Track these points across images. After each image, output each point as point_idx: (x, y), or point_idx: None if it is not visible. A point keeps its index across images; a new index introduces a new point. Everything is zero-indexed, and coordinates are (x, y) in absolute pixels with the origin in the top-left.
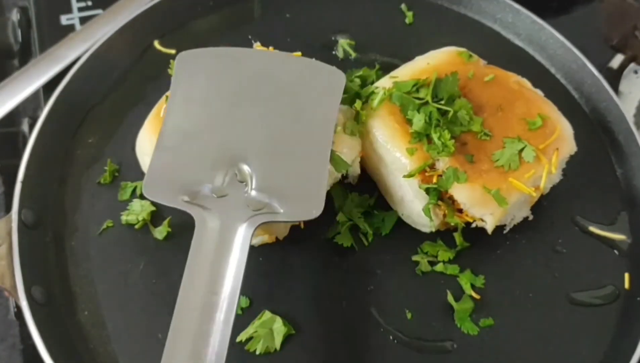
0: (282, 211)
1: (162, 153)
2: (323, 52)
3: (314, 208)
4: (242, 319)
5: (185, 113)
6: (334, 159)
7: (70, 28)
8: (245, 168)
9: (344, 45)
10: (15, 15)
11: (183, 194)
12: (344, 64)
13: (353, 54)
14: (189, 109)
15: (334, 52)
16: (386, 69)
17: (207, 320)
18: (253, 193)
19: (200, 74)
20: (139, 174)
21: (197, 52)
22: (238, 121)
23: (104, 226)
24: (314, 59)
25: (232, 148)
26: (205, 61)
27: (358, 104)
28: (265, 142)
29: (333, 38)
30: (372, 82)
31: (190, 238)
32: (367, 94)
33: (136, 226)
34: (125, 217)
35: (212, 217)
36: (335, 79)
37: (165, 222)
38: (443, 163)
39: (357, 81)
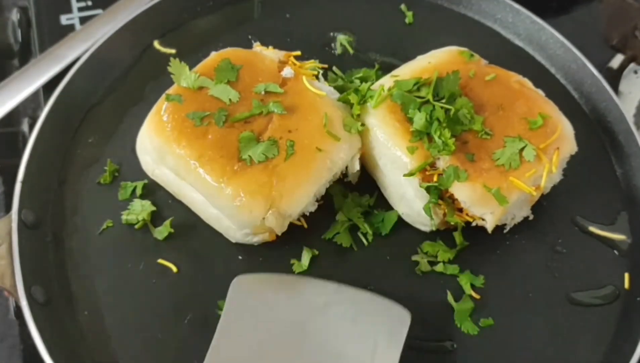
0: None
1: None
2: (323, 52)
3: None
4: None
5: (235, 341)
6: None
7: (70, 28)
8: None
9: (342, 41)
10: (15, 15)
11: None
12: (343, 61)
13: (351, 51)
14: (240, 337)
15: (333, 51)
16: (386, 69)
17: None
18: None
19: (254, 302)
20: (139, 174)
21: (253, 277)
22: (289, 357)
23: (104, 226)
24: (378, 296)
25: None
26: (260, 289)
27: (353, 97)
28: None
29: (332, 34)
30: (372, 83)
31: (190, 238)
32: (364, 92)
33: (136, 226)
34: (125, 217)
35: None
36: (400, 320)
37: (167, 222)
38: (443, 162)
39: (357, 82)
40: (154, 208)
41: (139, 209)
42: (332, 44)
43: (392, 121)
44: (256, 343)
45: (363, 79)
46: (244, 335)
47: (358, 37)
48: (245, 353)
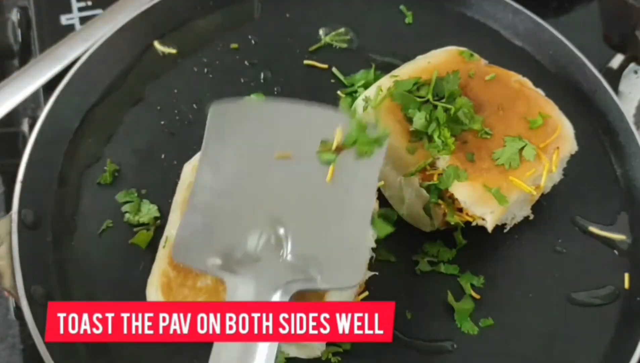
0: (319, 278)
1: (193, 214)
2: (323, 52)
3: (353, 276)
4: None
5: (217, 171)
6: (375, 221)
7: (70, 28)
8: (281, 231)
9: (342, 41)
10: (15, 15)
11: (215, 257)
12: (342, 61)
13: (351, 50)
14: (222, 166)
15: (333, 51)
16: (386, 69)
17: None
18: (289, 257)
19: (233, 128)
20: (139, 175)
21: (231, 105)
22: (273, 180)
23: (104, 226)
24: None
25: (266, 209)
26: (238, 115)
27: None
28: (302, 203)
29: (331, 34)
30: (371, 84)
31: None
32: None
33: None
34: (128, 217)
35: (245, 283)
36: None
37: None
38: (443, 161)
39: (362, 90)
40: (157, 214)
41: (144, 212)
42: (332, 44)
43: (392, 121)
44: (239, 171)
45: (366, 86)
46: (225, 164)
47: (358, 37)
48: (228, 180)
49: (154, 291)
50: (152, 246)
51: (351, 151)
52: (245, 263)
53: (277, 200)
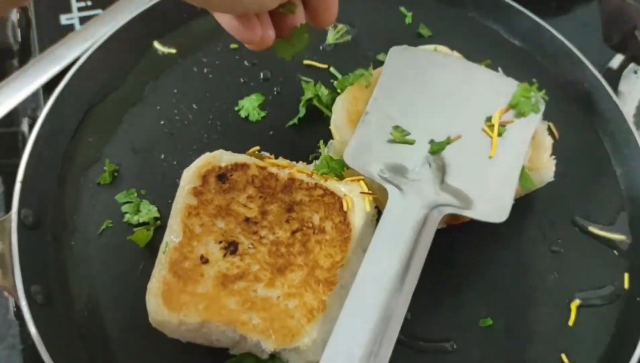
0: (471, 207)
1: (368, 127)
2: (323, 52)
3: (500, 213)
4: None
5: (391, 99)
6: (523, 175)
7: (70, 28)
8: (442, 159)
9: (341, 41)
10: (15, 15)
11: (382, 167)
12: (342, 61)
13: (350, 50)
14: (395, 96)
15: (333, 51)
16: None
17: (391, 301)
18: (447, 182)
19: (408, 69)
20: (139, 175)
21: (408, 49)
22: (438, 119)
23: (104, 226)
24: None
25: (432, 138)
26: (414, 59)
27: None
28: (464, 143)
29: (331, 34)
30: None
31: None
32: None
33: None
34: (128, 217)
35: (405, 196)
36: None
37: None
38: None
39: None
40: (157, 215)
41: (144, 212)
42: (332, 44)
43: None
44: (410, 103)
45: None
46: (399, 95)
47: (358, 38)
48: (400, 108)
49: (154, 298)
50: (151, 247)
51: (512, 113)
52: (406, 181)
53: (441, 133)
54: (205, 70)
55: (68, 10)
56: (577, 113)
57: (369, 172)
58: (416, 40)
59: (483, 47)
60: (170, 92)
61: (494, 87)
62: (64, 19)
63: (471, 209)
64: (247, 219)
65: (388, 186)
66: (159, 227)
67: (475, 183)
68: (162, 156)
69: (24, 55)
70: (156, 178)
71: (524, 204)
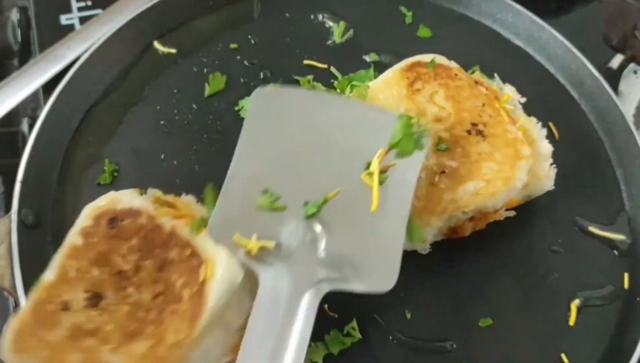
0: (353, 279)
1: (231, 197)
2: (322, 52)
3: (387, 280)
4: None
5: (255, 157)
6: (411, 228)
7: (70, 28)
8: (317, 228)
9: (341, 40)
10: (15, 15)
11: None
12: (342, 61)
13: (350, 50)
14: (260, 153)
15: (333, 51)
16: (385, 69)
17: None
18: (323, 254)
19: (274, 116)
20: (139, 175)
21: (275, 91)
22: (311, 173)
23: None
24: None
25: (306, 200)
26: (281, 102)
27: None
28: (340, 200)
29: (331, 34)
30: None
31: None
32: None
33: None
34: None
35: (278, 277)
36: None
37: None
38: None
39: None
40: None
41: None
42: (332, 44)
43: None
44: (278, 160)
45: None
46: (264, 151)
47: (358, 37)
48: (266, 168)
49: (7, 333)
50: None
51: (393, 153)
52: (278, 256)
53: (314, 194)
54: (205, 70)
55: (68, 10)
56: (577, 113)
57: (236, 252)
58: (416, 40)
59: (483, 48)
60: (170, 92)
61: (372, 126)
62: (64, 19)
63: (355, 280)
64: (120, 272)
65: (256, 267)
66: None
67: (357, 246)
68: (162, 156)
69: (24, 55)
70: (156, 178)
71: (524, 204)
